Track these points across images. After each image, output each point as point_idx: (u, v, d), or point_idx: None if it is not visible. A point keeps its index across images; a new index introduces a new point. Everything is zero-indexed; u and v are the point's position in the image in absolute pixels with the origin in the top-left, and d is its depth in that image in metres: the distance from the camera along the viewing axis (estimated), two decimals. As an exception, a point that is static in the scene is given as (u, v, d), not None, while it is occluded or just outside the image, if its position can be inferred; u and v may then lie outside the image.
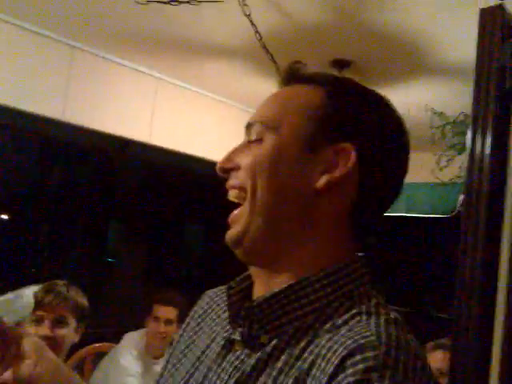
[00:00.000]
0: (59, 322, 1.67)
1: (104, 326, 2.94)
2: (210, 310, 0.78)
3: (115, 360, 2.27)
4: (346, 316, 0.60)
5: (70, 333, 1.70)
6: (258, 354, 0.61)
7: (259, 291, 0.67)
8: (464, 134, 2.10)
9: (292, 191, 0.64)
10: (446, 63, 2.53)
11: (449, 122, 2.32)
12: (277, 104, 0.69)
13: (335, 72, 2.49)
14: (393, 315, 0.60)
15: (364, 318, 0.59)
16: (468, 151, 1.10)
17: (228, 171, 0.68)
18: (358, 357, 0.52)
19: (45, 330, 1.63)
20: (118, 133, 2.97)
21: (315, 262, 0.64)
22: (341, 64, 2.57)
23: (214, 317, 0.76)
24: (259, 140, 0.66)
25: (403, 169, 0.69)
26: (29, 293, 0.86)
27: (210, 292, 0.83)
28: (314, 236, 0.64)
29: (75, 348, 1.94)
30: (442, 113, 2.36)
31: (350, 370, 0.52)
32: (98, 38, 2.68)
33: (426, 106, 2.39)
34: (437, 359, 2.04)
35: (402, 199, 3.63)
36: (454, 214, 3.22)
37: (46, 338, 1.60)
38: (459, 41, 2.26)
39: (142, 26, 2.46)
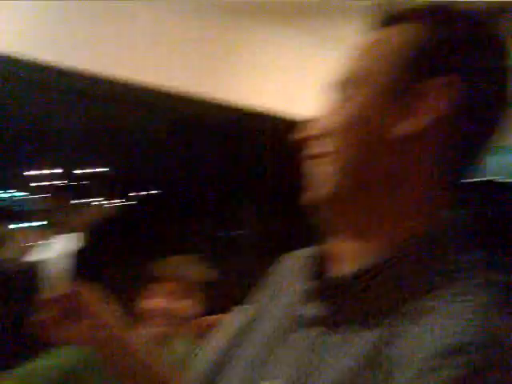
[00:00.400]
0: (181, 295, 1.72)
1: (225, 299, 2.39)
2: (285, 280, 0.74)
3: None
4: (437, 300, 0.53)
5: (192, 305, 1.75)
6: (336, 334, 0.57)
7: (341, 265, 0.61)
8: None
9: (381, 145, 0.58)
10: None
11: None
12: (364, 56, 0.62)
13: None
14: (495, 297, 0.52)
15: (458, 300, 0.52)
16: None
17: (316, 138, 0.63)
18: (448, 361, 0.46)
19: (168, 302, 1.69)
20: (268, 106, 2.86)
21: (408, 224, 0.58)
22: None
23: (291, 287, 0.71)
24: (348, 98, 0.61)
25: (505, 108, 0.60)
26: (60, 246, 0.86)
27: (286, 257, 0.79)
28: (405, 191, 0.58)
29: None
30: None
31: (440, 376, 0.46)
32: (231, 8, 2.59)
33: None
34: None
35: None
36: None
37: (168, 310, 1.68)
38: None
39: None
